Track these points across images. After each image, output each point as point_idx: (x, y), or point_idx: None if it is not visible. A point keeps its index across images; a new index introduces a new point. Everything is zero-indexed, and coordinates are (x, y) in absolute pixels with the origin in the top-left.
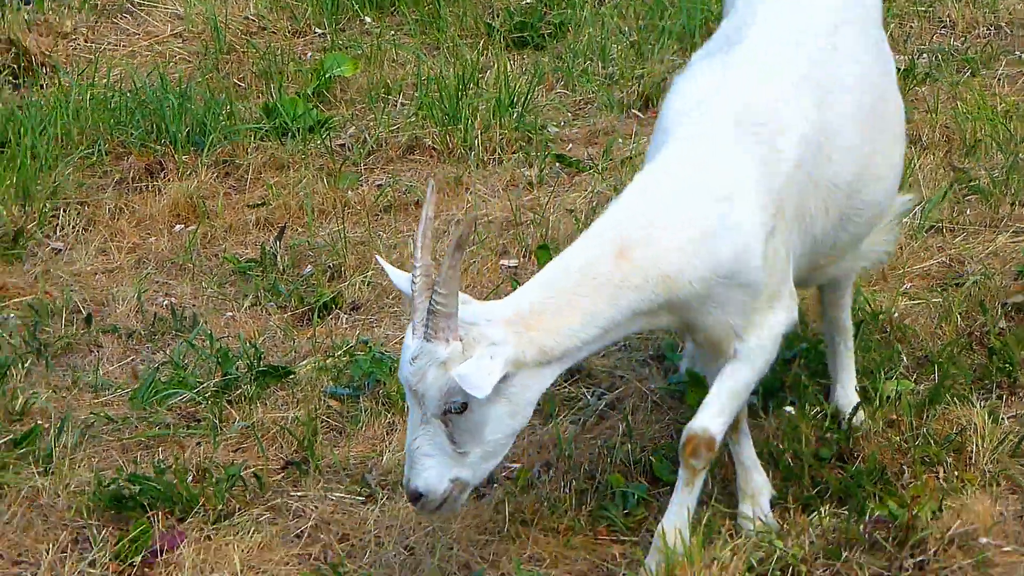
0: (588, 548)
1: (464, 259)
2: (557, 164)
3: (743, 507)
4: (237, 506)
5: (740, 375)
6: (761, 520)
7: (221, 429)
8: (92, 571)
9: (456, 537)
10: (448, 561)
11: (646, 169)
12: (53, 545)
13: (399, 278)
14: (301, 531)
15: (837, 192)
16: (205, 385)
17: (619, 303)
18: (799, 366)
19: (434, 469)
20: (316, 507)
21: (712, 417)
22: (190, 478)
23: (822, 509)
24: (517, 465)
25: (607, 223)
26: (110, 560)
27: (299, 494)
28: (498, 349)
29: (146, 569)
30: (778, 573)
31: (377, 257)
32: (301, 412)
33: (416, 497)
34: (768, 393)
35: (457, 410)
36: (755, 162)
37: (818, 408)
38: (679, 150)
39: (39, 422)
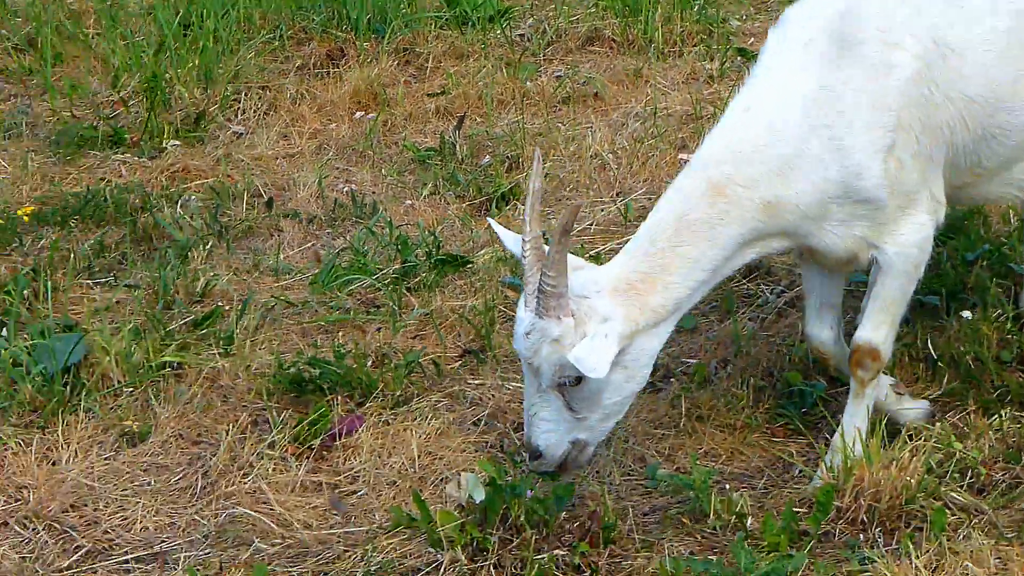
0: (764, 445)
1: (642, 155)
2: (738, 57)
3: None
4: (415, 392)
5: (888, 285)
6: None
7: (400, 316)
8: (271, 452)
9: (632, 431)
10: (624, 454)
11: (730, 106)
12: (233, 426)
13: (510, 240)
14: (478, 419)
15: (974, 107)
16: (385, 272)
17: (722, 241)
18: (981, 267)
19: (554, 431)
20: (493, 395)
21: (872, 330)
22: (369, 363)
23: (1002, 412)
24: (694, 361)
25: (695, 165)
26: (289, 443)
27: (476, 382)
28: (610, 325)
29: (324, 452)
30: (956, 475)
31: (489, 220)
32: (479, 301)
33: (536, 455)
34: (950, 295)
35: (572, 383)
36: (862, 79)
37: (1000, 311)
38: (774, 77)
39: (220, 304)
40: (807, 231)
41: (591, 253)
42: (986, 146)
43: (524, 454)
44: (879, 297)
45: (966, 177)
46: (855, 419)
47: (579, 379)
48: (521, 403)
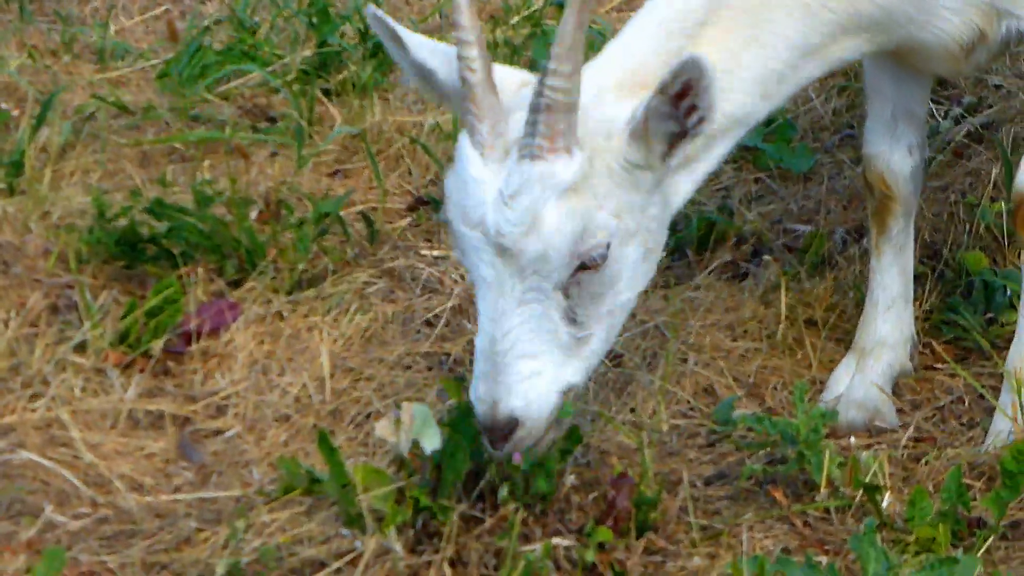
0: (918, 374)
1: None
2: None
3: (840, 367)
4: (330, 267)
5: None
6: (858, 398)
7: (311, 136)
8: (79, 360)
9: (691, 343)
10: (676, 382)
11: None
12: (16, 313)
13: (422, 49)
14: (434, 315)
15: None
16: (288, 60)
17: (771, 42)
18: None
19: (541, 378)
20: (460, 276)
21: None
22: (254, 215)
23: None
24: (805, 228)
25: None
26: (110, 345)
27: (435, 253)
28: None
29: (170, 362)
30: None
31: (371, 9)
32: (445, 116)
33: (510, 428)
34: None
35: (596, 262)
36: None
37: None
38: None
39: (4, 106)
40: (906, 16)
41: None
42: None
43: (483, 433)
44: None
45: None
46: None
47: (606, 252)
48: None
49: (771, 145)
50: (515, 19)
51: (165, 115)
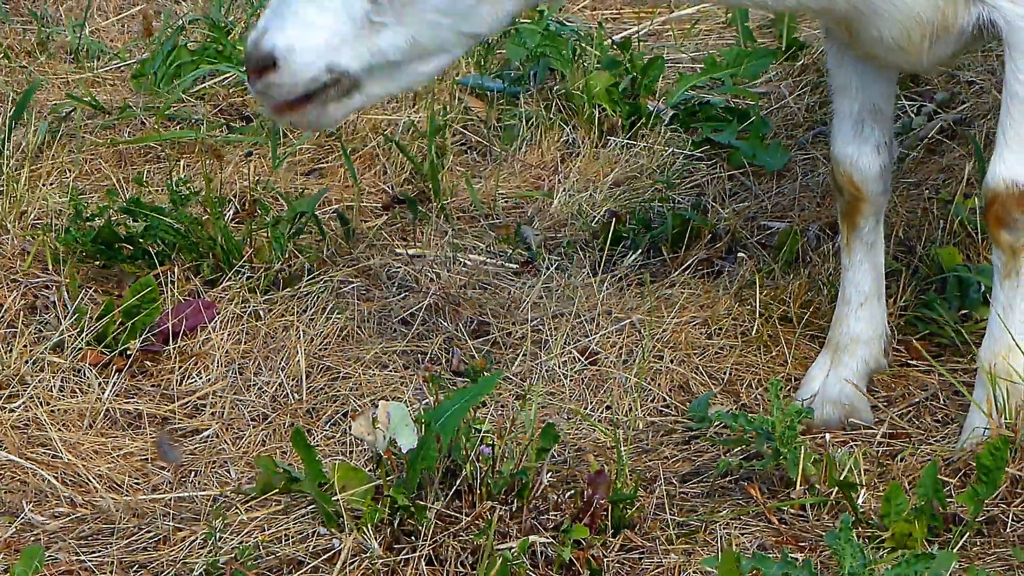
0: (892, 370)
1: None
2: None
3: (815, 364)
4: (306, 266)
5: None
6: (833, 395)
7: (286, 135)
8: (57, 359)
9: (667, 338)
10: (652, 379)
11: None
12: None
13: None
14: (410, 313)
15: None
16: None
17: None
18: None
19: (315, 28)
20: (436, 274)
21: (1018, 160)
22: (230, 215)
23: None
24: (780, 225)
25: None
26: (88, 344)
27: (411, 252)
28: None
29: (148, 362)
30: None
31: None
32: (420, 114)
33: (264, 63)
34: None
35: None
36: None
37: None
38: None
39: None
40: None
41: (620, 36)
42: None
43: (244, 64)
44: (1017, 98)
45: None
46: (1014, 314)
47: None
48: (484, 291)
49: (744, 142)
50: None
51: (140, 115)
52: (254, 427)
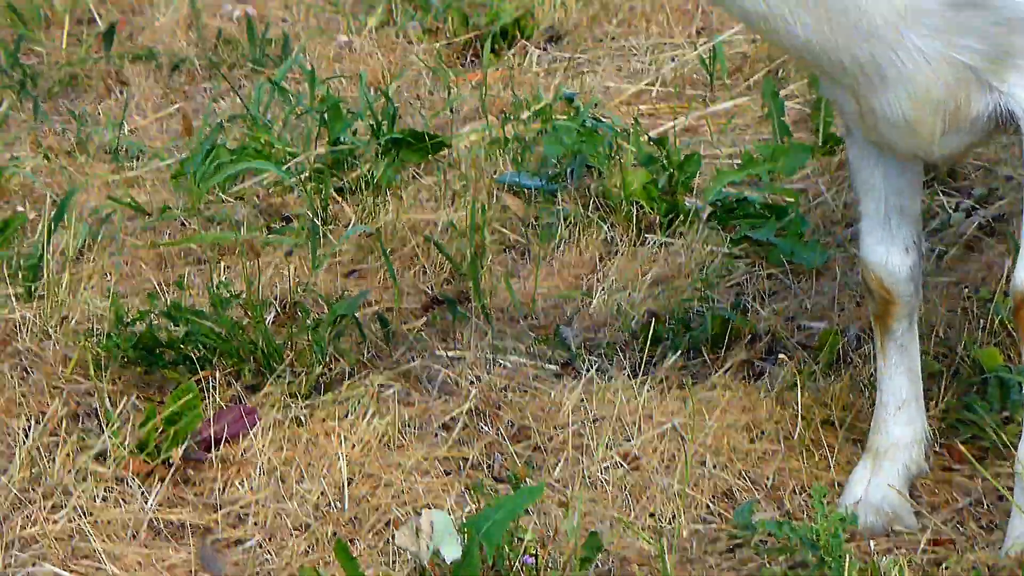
0: (936, 475)
1: None
2: None
3: (857, 470)
4: (347, 369)
5: None
6: (876, 501)
7: (326, 236)
8: (100, 469)
9: (709, 443)
10: (695, 485)
11: None
12: (37, 421)
13: None
14: (451, 417)
15: None
16: (301, 158)
17: None
18: None
19: None
20: (476, 377)
21: None
22: (271, 318)
23: None
24: (820, 325)
25: None
26: (131, 452)
27: (451, 354)
28: None
29: (190, 470)
30: None
31: None
32: (459, 213)
33: None
34: None
35: None
36: None
37: None
38: None
39: (20, 208)
40: (862, 51)
41: (656, 132)
42: None
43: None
44: None
45: None
46: None
47: None
48: (524, 393)
49: (783, 240)
50: (525, 114)
51: (180, 215)
52: (296, 537)
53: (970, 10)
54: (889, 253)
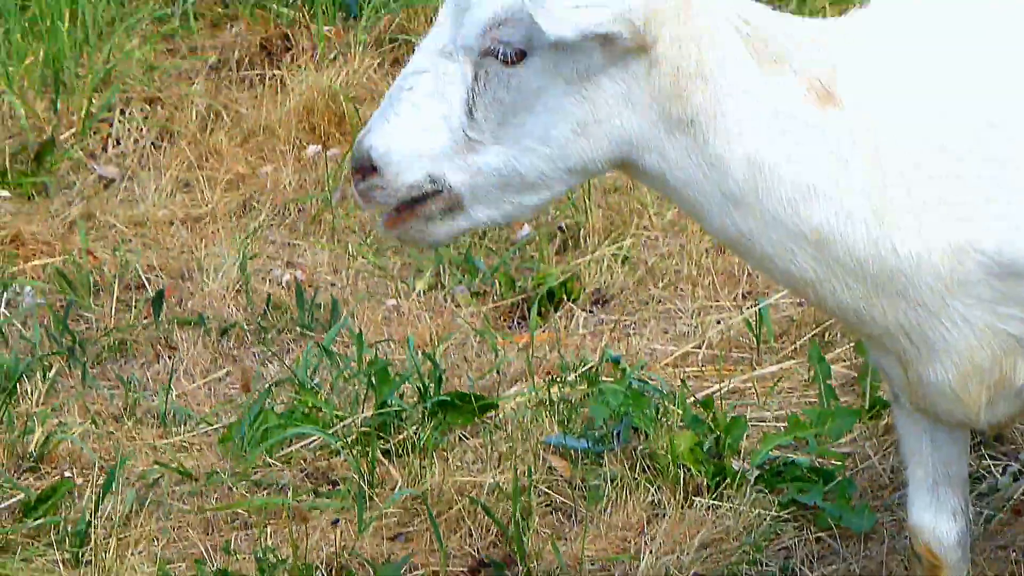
0: None
1: None
2: None
3: None
4: None
5: None
6: None
7: (372, 499)
8: None
9: None
10: None
11: None
12: None
13: None
14: None
15: None
16: (349, 422)
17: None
18: None
19: (414, 134)
20: None
21: None
22: None
23: None
24: None
25: None
26: None
27: None
28: None
29: None
30: None
31: None
32: (505, 476)
33: (364, 166)
34: None
35: (506, 58)
36: None
37: None
38: None
39: (68, 474)
40: (908, 318)
41: (703, 394)
42: None
43: (350, 164)
44: None
45: None
46: None
47: (520, 56)
48: None
49: (831, 504)
50: (572, 376)
51: (228, 480)
52: None
53: (1015, 280)
54: (937, 520)
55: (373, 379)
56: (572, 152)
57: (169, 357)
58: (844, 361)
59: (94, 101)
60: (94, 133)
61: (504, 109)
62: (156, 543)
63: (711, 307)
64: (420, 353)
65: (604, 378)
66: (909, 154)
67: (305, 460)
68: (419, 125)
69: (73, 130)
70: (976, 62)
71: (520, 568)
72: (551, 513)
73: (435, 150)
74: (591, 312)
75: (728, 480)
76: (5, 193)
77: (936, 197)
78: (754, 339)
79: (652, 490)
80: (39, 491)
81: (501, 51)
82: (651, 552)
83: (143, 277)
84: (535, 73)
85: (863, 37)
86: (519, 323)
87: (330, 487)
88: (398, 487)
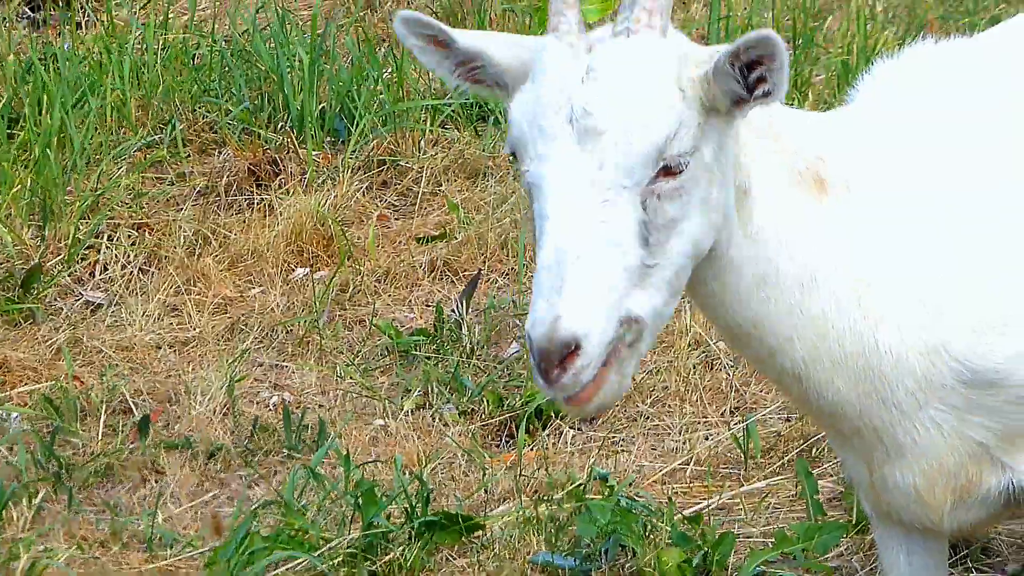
0: None
1: None
2: None
3: None
4: None
5: None
6: None
7: None
8: None
9: None
10: None
11: None
12: None
13: (464, 36)
14: None
15: None
16: (336, 545)
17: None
18: None
19: (605, 300)
20: None
21: None
22: None
23: None
24: None
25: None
26: None
27: None
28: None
29: None
30: None
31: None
32: None
33: (567, 351)
34: None
35: (679, 167)
36: None
37: None
38: None
39: None
40: (881, 419)
41: (691, 510)
42: None
43: (535, 360)
44: None
45: None
46: None
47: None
48: None
49: None
50: (559, 494)
51: None
52: None
53: (984, 389)
54: None
55: (359, 500)
56: (706, 233)
57: (156, 481)
58: (831, 476)
59: (81, 227)
60: (81, 259)
61: (671, 221)
62: None
63: (699, 423)
64: (408, 473)
65: (592, 496)
66: (892, 250)
67: None
68: (604, 285)
69: (61, 256)
70: (953, 163)
71: None
72: None
73: (619, 294)
74: (579, 429)
75: None
76: None
77: (915, 297)
78: (742, 455)
79: None
80: None
81: (678, 161)
82: None
83: (130, 401)
84: (694, 175)
85: (850, 131)
86: (507, 441)
87: None
88: None
